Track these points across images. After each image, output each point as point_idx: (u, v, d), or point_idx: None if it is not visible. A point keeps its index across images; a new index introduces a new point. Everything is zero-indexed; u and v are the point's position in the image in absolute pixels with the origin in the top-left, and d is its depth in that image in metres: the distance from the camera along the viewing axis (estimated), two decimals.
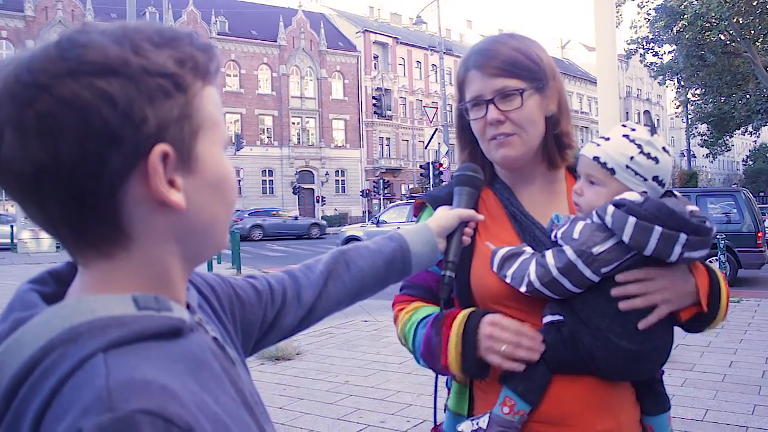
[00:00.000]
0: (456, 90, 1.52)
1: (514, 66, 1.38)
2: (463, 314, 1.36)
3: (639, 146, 1.32)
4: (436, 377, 1.36)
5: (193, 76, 0.70)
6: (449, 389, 1.53)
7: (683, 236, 1.23)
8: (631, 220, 1.23)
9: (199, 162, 0.71)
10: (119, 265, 0.70)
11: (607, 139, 1.36)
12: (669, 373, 1.40)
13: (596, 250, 1.26)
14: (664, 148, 1.34)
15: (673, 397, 1.40)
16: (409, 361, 6.22)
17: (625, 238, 1.24)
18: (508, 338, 1.30)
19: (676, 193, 1.37)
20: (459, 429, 1.38)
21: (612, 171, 1.32)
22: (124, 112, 0.64)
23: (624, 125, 1.38)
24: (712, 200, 12.44)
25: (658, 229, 1.23)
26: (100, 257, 0.69)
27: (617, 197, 1.29)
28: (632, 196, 1.27)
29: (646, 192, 1.32)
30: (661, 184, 1.34)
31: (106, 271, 0.70)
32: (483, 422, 1.35)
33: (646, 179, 1.32)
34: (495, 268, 1.37)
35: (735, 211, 12.05)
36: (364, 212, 45.95)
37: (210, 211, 0.74)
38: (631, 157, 1.31)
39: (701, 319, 1.36)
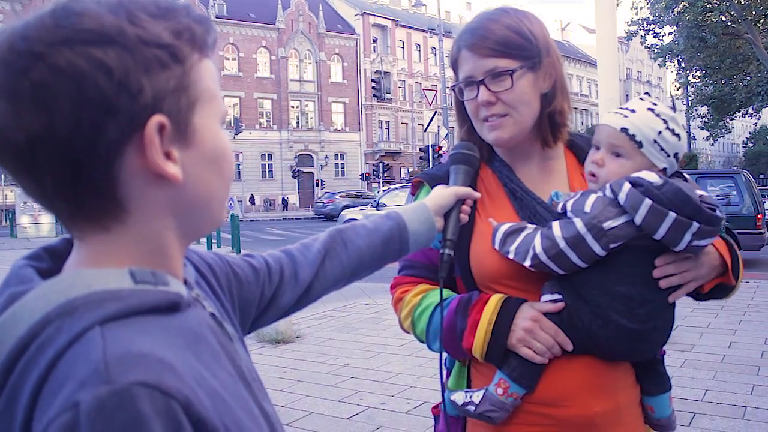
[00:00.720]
0: (451, 69, 1.50)
1: (506, 46, 1.36)
2: (495, 301, 1.35)
3: (665, 121, 1.31)
4: (441, 356, 1.36)
5: (190, 48, 0.69)
6: (449, 370, 1.53)
7: (695, 225, 1.22)
8: (647, 202, 1.21)
9: (196, 135, 0.70)
10: (115, 238, 0.69)
11: (633, 111, 1.33)
12: (668, 354, 1.42)
13: (607, 225, 1.24)
14: (683, 125, 1.34)
15: (673, 378, 1.41)
16: (408, 343, 6.25)
17: (638, 219, 1.23)
18: (545, 339, 1.31)
19: (686, 175, 1.35)
20: (452, 398, 1.39)
21: (640, 144, 1.30)
22: (120, 82, 0.63)
23: (642, 99, 1.36)
24: (712, 182, 12.41)
25: (672, 215, 1.21)
26: (95, 230, 0.68)
27: (634, 174, 1.27)
28: (651, 177, 1.24)
29: (666, 168, 1.31)
30: (677, 161, 1.33)
31: (102, 244, 0.69)
32: (476, 397, 1.35)
33: (669, 155, 1.31)
34: (497, 245, 1.35)
35: (735, 193, 12.03)
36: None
37: (207, 185, 0.73)
38: (659, 132, 1.30)
39: (721, 289, 1.40)
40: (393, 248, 1.22)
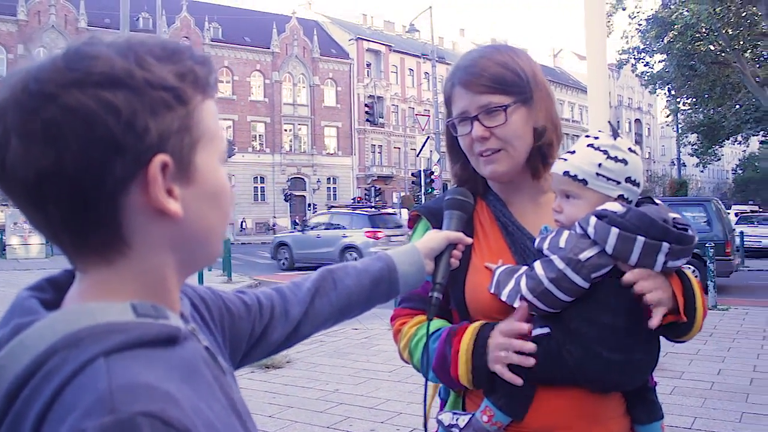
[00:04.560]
0: (444, 105, 1.53)
1: (499, 82, 1.39)
2: (473, 329, 1.37)
3: (605, 152, 1.33)
4: (426, 382, 1.36)
5: (194, 90, 0.72)
6: (444, 401, 1.53)
7: (666, 245, 1.25)
8: (614, 230, 1.25)
9: (197, 173, 0.73)
10: (117, 272, 0.71)
11: (573, 152, 1.37)
12: (657, 381, 1.42)
13: (583, 256, 1.27)
14: (630, 149, 1.36)
15: (662, 405, 1.42)
16: (399, 369, 6.23)
17: (609, 249, 1.26)
18: (519, 345, 1.29)
19: (656, 200, 1.38)
20: (439, 417, 1.41)
21: (584, 182, 1.33)
22: (128, 123, 0.65)
23: (587, 135, 1.40)
24: (683, 209, 12.40)
25: (640, 239, 1.24)
26: (99, 263, 0.71)
27: (599, 208, 1.30)
28: (614, 207, 1.28)
29: (622, 195, 1.34)
30: (635, 184, 1.35)
31: (105, 278, 0.71)
32: (462, 421, 1.37)
33: (619, 182, 1.33)
34: (493, 289, 1.38)
35: (705, 220, 12.19)
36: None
37: (206, 221, 0.76)
38: (599, 164, 1.33)
39: (678, 327, 1.34)
40: (382, 289, 1.24)
